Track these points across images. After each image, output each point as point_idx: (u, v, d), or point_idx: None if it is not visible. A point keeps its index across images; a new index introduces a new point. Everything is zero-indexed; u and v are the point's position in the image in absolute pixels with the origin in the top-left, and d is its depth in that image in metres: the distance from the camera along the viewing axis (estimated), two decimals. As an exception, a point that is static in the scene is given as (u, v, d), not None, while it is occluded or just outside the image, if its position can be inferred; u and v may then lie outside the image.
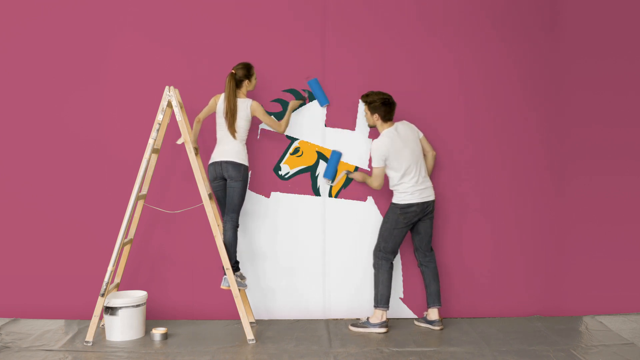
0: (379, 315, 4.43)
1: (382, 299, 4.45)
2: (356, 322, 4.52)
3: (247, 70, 4.38)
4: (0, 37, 4.71)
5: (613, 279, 4.83)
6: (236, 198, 4.35)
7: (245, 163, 4.37)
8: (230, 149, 4.33)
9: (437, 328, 4.47)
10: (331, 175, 4.67)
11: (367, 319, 4.49)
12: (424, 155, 4.53)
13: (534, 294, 4.81)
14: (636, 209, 4.86)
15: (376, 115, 4.42)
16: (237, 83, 4.36)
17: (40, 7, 4.70)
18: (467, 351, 4.04)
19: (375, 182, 4.44)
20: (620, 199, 4.84)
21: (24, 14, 4.70)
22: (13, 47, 4.71)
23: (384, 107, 4.40)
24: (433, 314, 4.51)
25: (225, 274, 4.29)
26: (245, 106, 4.36)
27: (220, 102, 4.39)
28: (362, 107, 4.67)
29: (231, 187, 4.34)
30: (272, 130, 4.61)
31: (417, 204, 4.40)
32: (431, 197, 4.46)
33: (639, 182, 4.86)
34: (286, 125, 4.51)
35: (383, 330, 4.41)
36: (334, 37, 4.73)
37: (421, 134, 4.55)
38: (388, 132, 4.42)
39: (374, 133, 4.69)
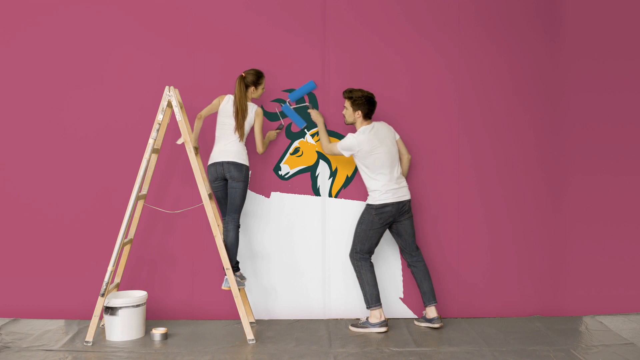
0: (377, 315, 4.43)
1: (372, 299, 4.44)
2: (356, 323, 4.52)
3: (256, 77, 4.41)
4: (1, 37, 4.71)
5: (613, 279, 4.83)
6: (238, 199, 4.36)
7: (247, 163, 4.38)
8: (231, 149, 4.34)
9: (437, 325, 4.47)
10: (295, 97, 4.65)
11: (367, 319, 4.48)
12: (400, 157, 4.54)
13: (534, 293, 4.81)
14: (636, 209, 4.86)
15: (358, 112, 4.43)
16: (245, 87, 4.38)
17: (42, 7, 4.69)
18: (467, 351, 4.04)
19: (326, 148, 4.48)
20: (621, 199, 4.84)
21: (26, 14, 4.69)
22: (13, 47, 4.70)
23: (368, 105, 4.42)
24: (431, 311, 4.50)
25: (225, 274, 4.29)
26: (251, 110, 4.40)
27: (224, 103, 4.40)
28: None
29: (233, 188, 4.35)
30: (256, 140, 4.49)
31: (392, 204, 4.39)
32: (406, 197, 4.46)
33: (639, 182, 4.86)
34: (263, 149, 4.49)
35: (383, 329, 4.41)
36: (333, 39, 4.74)
37: (398, 136, 4.57)
38: (365, 129, 4.43)
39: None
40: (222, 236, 4.36)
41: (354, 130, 4.53)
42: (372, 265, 4.50)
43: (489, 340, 4.24)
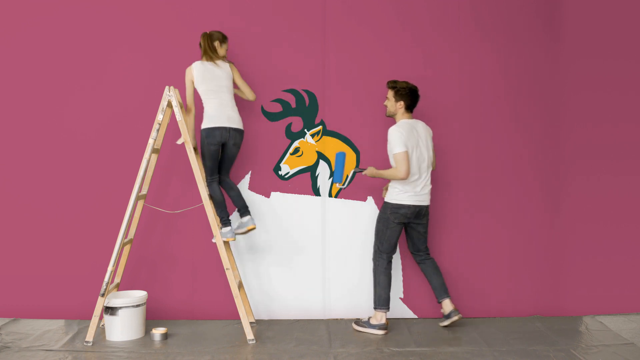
0: (378, 317, 4.41)
1: (379, 300, 4.42)
2: (359, 321, 4.51)
3: (222, 35, 4.40)
4: (1, 37, 4.71)
5: (613, 279, 4.83)
6: (234, 160, 4.46)
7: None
8: (234, 114, 4.35)
9: (457, 317, 4.40)
10: (339, 178, 4.51)
11: (369, 319, 4.48)
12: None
13: (534, 294, 4.81)
14: (636, 209, 4.86)
15: (400, 103, 4.35)
16: (211, 41, 4.39)
17: (42, 8, 4.69)
18: (467, 351, 4.04)
19: (401, 168, 4.20)
20: (621, 199, 4.85)
21: (26, 15, 4.69)
22: (14, 47, 4.70)
23: (411, 97, 4.34)
24: (446, 306, 4.44)
25: (221, 227, 4.34)
26: (225, 66, 4.39)
27: (199, 70, 4.31)
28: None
29: (233, 152, 4.39)
30: (242, 89, 4.46)
31: (408, 206, 4.33)
32: (425, 203, 4.40)
33: (639, 182, 4.86)
34: (253, 94, 4.46)
35: (381, 332, 4.38)
36: (333, 40, 4.74)
37: (432, 143, 4.46)
38: (406, 122, 4.34)
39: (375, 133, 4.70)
40: (211, 192, 4.37)
41: (393, 122, 4.45)
42: (388, 267, 4.43)
43: (489, 340, 4.24)
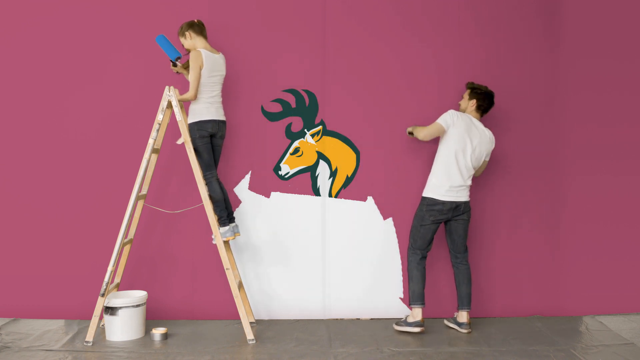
0: (414, 314, 4.37)
1: (412, 296, 4.39)
2: (399, 321, 4.47)
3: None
4: (1, 37, 4.72)
5: (613, 279, 4.83)
6: (220, 153, 4.48)
7: None
8: (220, 107, 4.39)
9: (465, 331, 4.40)
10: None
11: (406, 317, 4.44)
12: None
13: (534, 294, 4.81)
14: (636, 209, 4.86)
15: (473, 102, 4.40)
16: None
17: (43, 9, 4.69)
18: (467, 351, 4.04)
19: (423, 130, 4.38)
20: (621, 199, 4.85)
21: (27, 14, 4.69)
22: (14, 46, 4.70)
23: (484, 98, 4.39)
24: (462, 316, 4.43)
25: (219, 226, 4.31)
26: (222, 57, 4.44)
27: (210, 59, 4.29)
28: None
29: (219, 145, 4.42)
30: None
31: (444, 202, 4.31)
32: (463, 199, 4.35)
33: (639, 182, 4.86)
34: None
35: (416, 330, 4.34)
36: (332, 41, 4.74)
37: (489, 157, 4.49)
38: (468, 116, 4.38)
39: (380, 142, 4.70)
40: (211, 191, 4.34)
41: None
42: (421, 263, 4.41)
43: (489, 340, 4.24)
